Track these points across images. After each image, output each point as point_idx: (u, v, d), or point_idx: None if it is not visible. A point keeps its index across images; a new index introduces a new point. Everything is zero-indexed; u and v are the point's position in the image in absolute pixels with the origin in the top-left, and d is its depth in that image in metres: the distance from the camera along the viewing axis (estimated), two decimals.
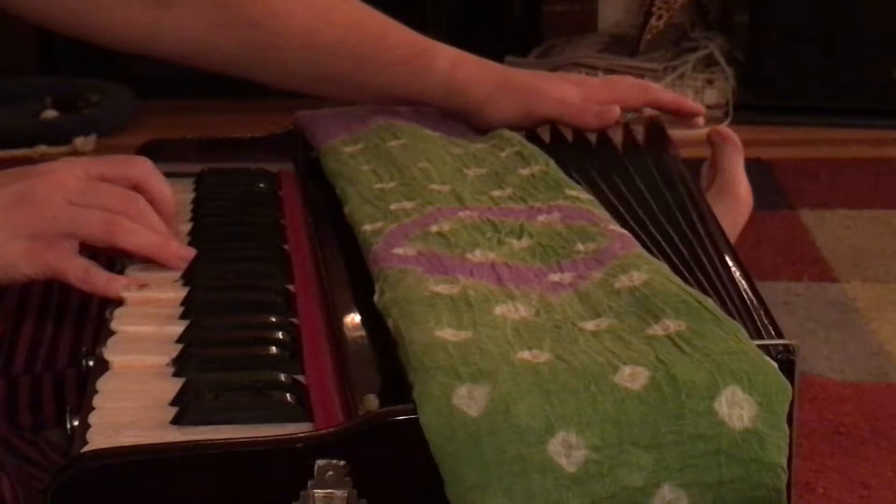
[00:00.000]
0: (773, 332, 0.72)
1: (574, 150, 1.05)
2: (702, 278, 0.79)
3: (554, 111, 1.06)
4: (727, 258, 0.83)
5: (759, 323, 0.74)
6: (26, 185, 0.83)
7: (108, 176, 0.85)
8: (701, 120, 1.10)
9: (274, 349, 0.75)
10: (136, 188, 0.86)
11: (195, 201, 1.00)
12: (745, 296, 0.77)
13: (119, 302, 0.82)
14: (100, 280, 0.83)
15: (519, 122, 1.07)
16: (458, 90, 1.07)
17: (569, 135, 1.09)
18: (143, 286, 0.83)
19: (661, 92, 1.10)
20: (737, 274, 0.80)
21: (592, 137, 1.08)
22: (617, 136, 1.08)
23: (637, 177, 0.96)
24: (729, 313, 0.71)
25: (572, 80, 1.09)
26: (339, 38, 1.06)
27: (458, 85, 1.06)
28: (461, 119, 1.09)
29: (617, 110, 1.06)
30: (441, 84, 1.07)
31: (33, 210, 0.82)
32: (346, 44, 1.06)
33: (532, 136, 1.06)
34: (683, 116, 1.09)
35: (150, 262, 0.85)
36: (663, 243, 0.84)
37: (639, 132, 1.09)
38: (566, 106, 1.06)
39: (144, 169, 0.87)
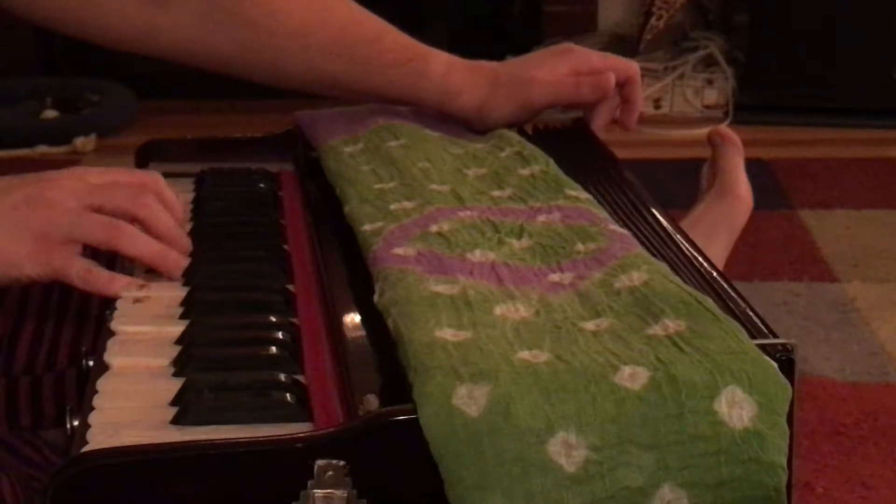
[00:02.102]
0: (766, 332, 0.72)
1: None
2: (690, 280, 0.79)
3: (550, 96, 1.07)
4: (697, 257, 0.82)
5: (749, 324, 0.73)
6: (35, 188, 0.84)
7: (118, 182, 0.86)
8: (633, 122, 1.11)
9: (274, 349, 0.75)
10: None
11: (195, 201, 1.00)
12: (727, 296, 0.77)
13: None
14: (101, 279, 0.83)
15: (520, 117, 1.07)
16: (453, 96, 1.07)
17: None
18: (143, 286, 0.84)
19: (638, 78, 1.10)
20: (713, 274, 0.79)
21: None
22: None
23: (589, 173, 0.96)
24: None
25: (560, 53, 1.09)
26: (334, 39, 1.06)
27: (453, 90, 1.07)
28: (461, 122, 1.09)
29: (612, 78, 1.06)
30: (436, 89, 1.07)
31: (39, 212, 0.83)
32: (341, 45, 1.06)
33: (519, 132, 1.06)
34: (627, 112, 1.10)
35: (151, 269, 0.86)
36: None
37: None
38: (560, 86, 1.06)
39: (155, 181, 0.88)
